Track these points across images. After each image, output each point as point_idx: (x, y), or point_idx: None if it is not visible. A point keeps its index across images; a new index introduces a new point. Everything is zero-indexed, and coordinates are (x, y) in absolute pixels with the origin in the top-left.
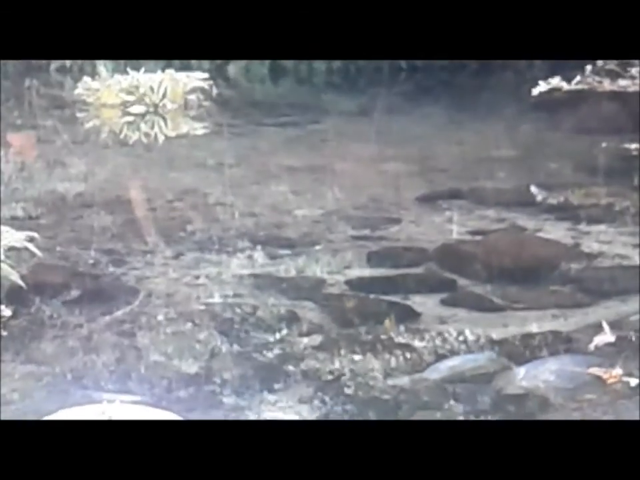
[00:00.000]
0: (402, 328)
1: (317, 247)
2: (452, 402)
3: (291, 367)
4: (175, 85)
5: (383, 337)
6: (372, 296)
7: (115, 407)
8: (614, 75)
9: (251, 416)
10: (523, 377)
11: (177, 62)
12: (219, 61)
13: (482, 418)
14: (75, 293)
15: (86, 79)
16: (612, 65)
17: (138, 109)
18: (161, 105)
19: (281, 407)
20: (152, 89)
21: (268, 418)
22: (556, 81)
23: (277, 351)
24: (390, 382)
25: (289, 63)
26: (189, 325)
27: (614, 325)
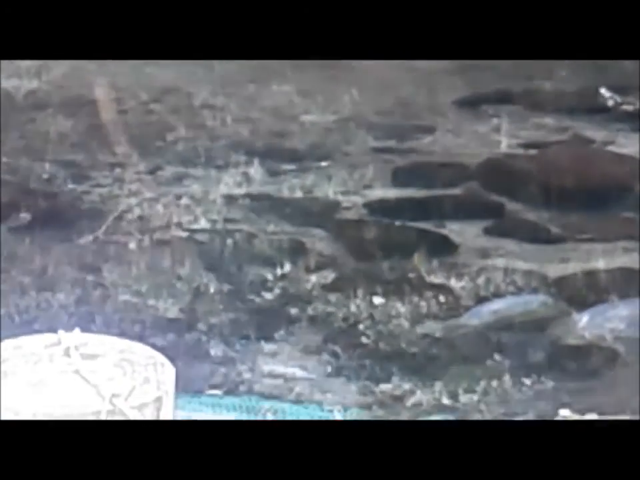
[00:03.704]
0: (435, 263)
1: (329, 162)
2: (496, 355)
3: (294, 311)
4: None
5: (410, 274)
6: (398, 223)
7: (74, 336)
8: None
9: (244, 370)
10: (586, 325)
11: None
12: None
13: (534, 374)
14: (25, 217)
15: None
16: None
17: None
18: None
19: (282, 359)
20: None
21: (265, 372)
22: None
23: (277, 290)
24: (419, 330)
25: None
26: (168, 257)
27: None
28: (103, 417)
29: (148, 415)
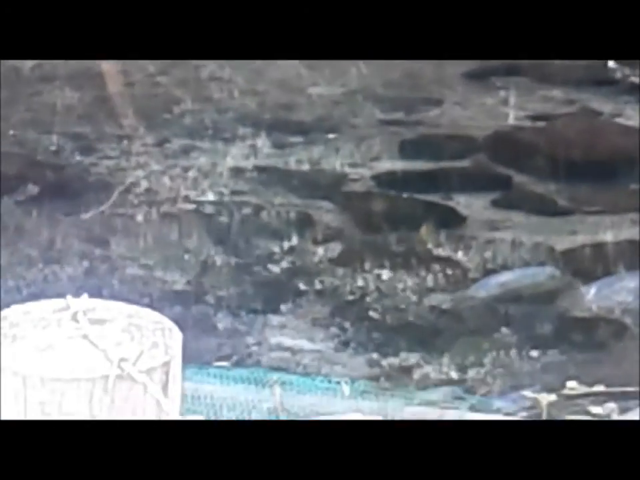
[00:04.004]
0: (442, 236)
1: (336, 134)
2: (503, 328)
3: (302, 284)
4: None
5: (418, 247)
6: (405, 195)
7: (82, 302)
8: None
9: (251, 342)
10: (593, 297)
11: None
12: None
13: (541, 346)
14: (32, 189)
15: None
16: None
17: None
18: None
19: (289, 332)
20: None
21: (272, 344)
22: None
23: (284, 263)
24: (426, 302)
25: None
26: (175, 229)
27: None
28: (111, 382)
29: (156, 379)
